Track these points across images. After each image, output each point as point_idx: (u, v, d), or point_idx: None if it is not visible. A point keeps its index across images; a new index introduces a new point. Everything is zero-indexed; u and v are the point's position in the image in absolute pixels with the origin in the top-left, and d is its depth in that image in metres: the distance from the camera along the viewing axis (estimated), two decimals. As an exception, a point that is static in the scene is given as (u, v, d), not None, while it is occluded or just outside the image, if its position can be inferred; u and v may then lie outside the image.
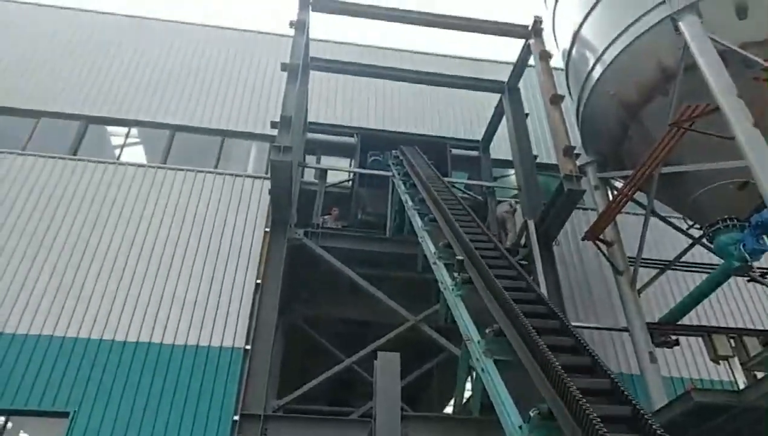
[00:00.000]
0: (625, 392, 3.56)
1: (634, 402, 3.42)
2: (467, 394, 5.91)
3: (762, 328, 9.72)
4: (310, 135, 12.62)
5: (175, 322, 9.18)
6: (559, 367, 3.50)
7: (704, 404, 6.39)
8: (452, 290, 5.57)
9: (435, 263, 6.39)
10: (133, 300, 9.36)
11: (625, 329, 8.47)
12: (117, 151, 12.19)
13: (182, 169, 11.39)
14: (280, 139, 8.79)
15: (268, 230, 10.00)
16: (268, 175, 9.63)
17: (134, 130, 12.52)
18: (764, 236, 7.22)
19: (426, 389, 12.18)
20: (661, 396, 7.56)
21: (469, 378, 5.30)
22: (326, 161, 12.87)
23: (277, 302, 8.78)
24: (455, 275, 5.64)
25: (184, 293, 9.54)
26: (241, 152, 12.46)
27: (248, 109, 13.08)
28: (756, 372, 7.07)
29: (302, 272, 10.00)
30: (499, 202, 11.48)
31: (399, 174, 9.86)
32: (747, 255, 7.04)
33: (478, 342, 4.53)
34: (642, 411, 3.30)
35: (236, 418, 7.72)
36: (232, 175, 11.47)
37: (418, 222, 7.66)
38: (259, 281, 9.47)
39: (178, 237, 10.27)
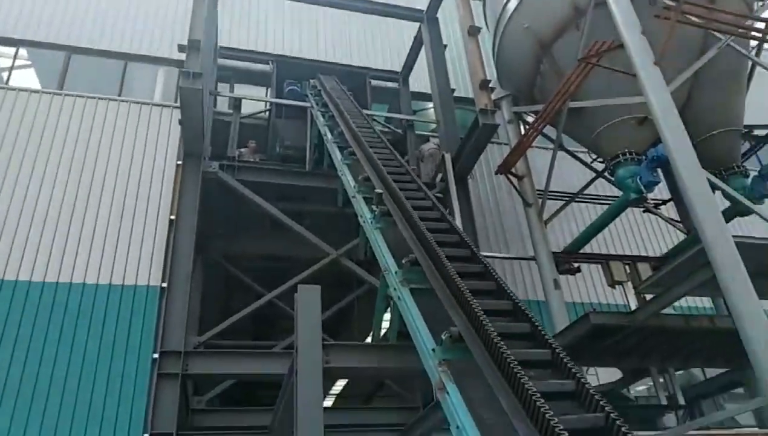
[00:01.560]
0: (525, 311, 3.84)
1: (533, 321, 3.71)
2: (385, 325, 6.16)
3: (653, 255, 10.62)
4: (222, 61, 11.98)
5: (84, 260, 8.77)
6: (468, 291, 3.70)
7: (600, 325, 6.98)
8: (371, 223, 5.66)
9: (354, 197, 6.43)
10: (36, 238, 8.80)
11: (533, 258, 9.00)
12: (4, 75, 11.05)
13: (82, 96, 10.54)
14: (189, 64, 8.31)
15: (180, 162, 9.58)
16: (178, 104, 9.13)
17: (23, 51, 11.34)
18: (658, 169, 7.77)
19: (347, 322, 12.53)
20: (564, 320, 8.17)
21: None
22: (240, 90, 12.33)
23: (193, 239, 8.57)
24: (374, 208, 5.72)
25: (92, 230, 9.07)
26: (147, 79, 11.65)
27: (153, 31, 12.11)
28: (646, 295, 7.76)
29: (219, 208, 9.75)
30: (427, 139, 11.56)
31: (317, 105, 9.65)
32: (643, 187, 7.56)
33: (396, 272, 4.68)
34: (539, 327, 3.58)
35: (155, 356, 7.64)
36: (138, 103, 10.74)
37: (337, 155, 7.61)
38: (173, 217, 9.15)
39: (81, 171, 9.63)
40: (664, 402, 8.15)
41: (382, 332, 6.42)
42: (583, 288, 10.65)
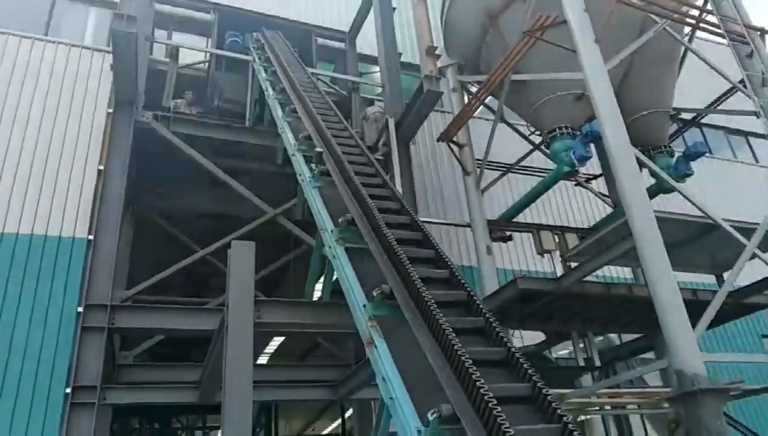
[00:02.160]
0: (460, 278, 3.95)
1: (468, 288, 3.82)
2: (320, 287, 6.20)
3: (581, 226, 11.10)
4: (159, 6, 11.37)
5: (4, 208, 8.27)
6: (401, 251, 3.77)
7: (527, 290, 7.30)
8: (310, 181, 5.62)
9: (294, 155, 6.35)
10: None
11: (468, 225, 9.23)
12: None
13: (4, 33, 9.77)
14: (122, 6, 7.89)
15: (111, 111, 9.13)
16: (110, 49, 8.63)
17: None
18: (591, 145, 8.08)
19: (284, 283, 12.50)
20: (494, 285, 8.46)
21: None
22: (179, 39, 11.78)
23: (122, 191, 8.25)
24: (313, 167, 5.67)
25: (13, 177, 8.54)
26: (77, 19, 10.91)
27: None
28: (571, 263, 8.14)
29: (153, 161, 9.38)
30: (371, 102, 11.46)
31: (260, 59, 9.35)
32: (576, 161, 7.85)
33: (332, 231, 4.69)
34: (473, 295, 3.69)
35: (80, 309, 7.40)
36: (66, 45, 10.06)
37: (278, 112, 7.46)
38: (101, 167, 8.76)
39: (1, 115, 9.00)
40: (582, 364, 8.65)
41: (317, 293, 6.47)
42: (513, 255, 11.04)
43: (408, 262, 3.65)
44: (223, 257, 7.35)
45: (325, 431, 24.13)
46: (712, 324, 8.64)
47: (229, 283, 5.14)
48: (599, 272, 9.46)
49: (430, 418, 2.73)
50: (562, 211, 12.20)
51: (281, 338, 13.80)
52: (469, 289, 3.84)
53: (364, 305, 3.78)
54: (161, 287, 8.65)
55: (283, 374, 9.48)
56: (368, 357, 3.64)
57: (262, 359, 14.54)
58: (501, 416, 2.54)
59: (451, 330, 3.15)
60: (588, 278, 7.51)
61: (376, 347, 3.49)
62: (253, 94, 9.87)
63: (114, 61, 8.27)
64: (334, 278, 4.82)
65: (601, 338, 10.02)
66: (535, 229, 9.17)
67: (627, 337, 10.01)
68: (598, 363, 8.89)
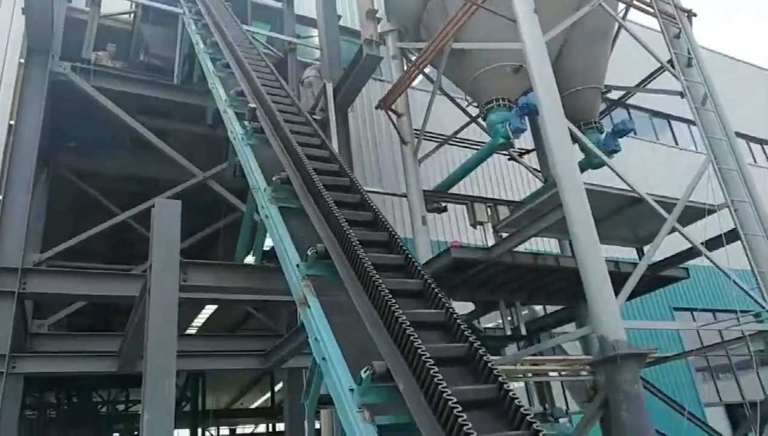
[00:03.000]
0: (399, 242, 3.87)
1: (406, 252, 3.74)
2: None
3: (512, 199, 11.33)
4: (80, -50, 10.49)
5: None
6: (337, 210, 3.64)
7: (460, 259, 7.39)
8: (242, 139, 5.36)
9: (225, 112, 6.03)
10: None
11: (404, 195, 9.20)
12: None
13: None
14: (36, -56, 7.16)
15: (23, 60, 8.37)
16: (22, -9, 7.88)
17: None
18: (526, 118, 8.19)
19: (212, 254, 12.08)
20: (428, 255, 8.52)
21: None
22: (101, -15, 10.92)
23: (35, 148, 7.60)
24: (246, 124, 5.41)
25: None
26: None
27: None
28: (503, 234, 8.30)
29: (71, 118, 8.73)
30: (307, 65, 11.10)
31: (190, 12, 8.80)
32: (510, 133, 7.94)
33: (264, 190, 4.50)
34: (411, 258, 3.62)
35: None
36: (-28, -14, 9.14)
37: (209, 67, 7.05)
38: (12, 122, 8.06)
39: None
40: (509, 333, 8.88)
41: (250, 256, 6.23)
42: (447, 227, 11.15)
43: (344, 221, 3.53)
44: (148, 223, 6.97)
45: (254, 405, 24.00)
46: (632, 295, 9.10)
47: (152, 243, 4.84)
48: (528, 245, 9.73)
49: (363, 376, 2.66)
50: (495, 185, 12.43)
51: (210, 310, 13.42)
52: (407, 252, 3.77)
53: (298, 265, 3.64)
54: (81, 253, 8.12)
55: (211, 345, 9.20)
56: (300, 321, 3.53)
57: (191, 331, 14.12)
58: (438, 376, 2.49)
59: (386, 289, 3.07)
60: (518, 249, 7.69)
61: (309, 306, 3.37)
62: (183, 49, 9.30)
63: (26, 4, 7.55)
64: (267, 241, 4.64)
65: (526, 311, 10.33)
66: (469, 201, 9.27)
67: (551, 310, 10.41)
68: (524, 332, 9.17)
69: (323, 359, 3.07)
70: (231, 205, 8.79)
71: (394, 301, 2.92)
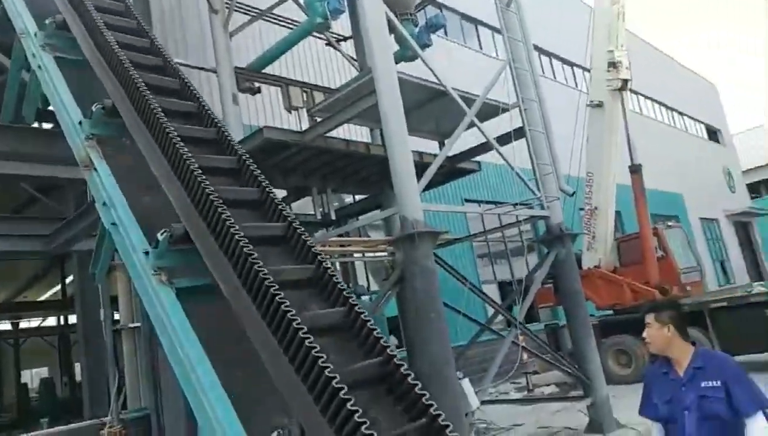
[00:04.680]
0: (210, 113, 3.54)
1: (219, 125, 3.44)
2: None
3: (328, 86, 11.19)
4: None
5: None
6: (126, 59, 3.18)
7: (273, 140, 7.18)
8: (4, -28, 4.33)
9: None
10: None
11: (213, 70, 8.52)
12: None
13: None
14: None
15: None
16: None
17: None
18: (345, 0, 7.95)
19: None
20: (239, 136, 8.13)
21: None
22: None
23: None
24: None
25: None
26: None
27: None
28: (317, 118, 8.21)
29: None
30: None
31: None
32: (329, 12, 7.67)
33: (35, 35, 3.73)
34: (225, 132, 3.35)
35: None
36: None
37: None
38: None
39: None
40: (319, 218, 9.09)
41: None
42: (261, 111, 10.71)
43: (133, 69, 3.09)
44: None
45: (42, 297, 22.12)
46: (431, 186, 9.81)
47: None
48: (341, 134, 9.82)
49: (160, 238, 2.45)
50: (311, 70, 12.13)
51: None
52: (220, 125, 3.48)
53: (80, 122, 3.15)
54: None
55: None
56: (91, 197, 3.12)
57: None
58: (249, 249, 2.36)
59: (183, 146, 2.81)
60: (331, 135, 7.70)
61: (95, 169, 2.98)
62: None
63: None
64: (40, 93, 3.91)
65: (336, 203, 10.60)
66: (284, 83, 8.93)
67: (359, 199, 10.87)
68: (333, 217, 9.46)
69: (113, 224, 2.77)
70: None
71: (187, 149, 2.69)
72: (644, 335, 3.24)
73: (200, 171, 2.76)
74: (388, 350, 1.99)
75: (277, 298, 2.13)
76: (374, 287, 12.39)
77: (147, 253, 2.54)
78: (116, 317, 6.97)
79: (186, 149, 2.84)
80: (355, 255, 9.45)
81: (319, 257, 2.57)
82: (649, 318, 3.21)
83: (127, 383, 5.58)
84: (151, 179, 2.90)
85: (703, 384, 3.01)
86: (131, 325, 5.78)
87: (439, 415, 1.77)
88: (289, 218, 2.82)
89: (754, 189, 37.76)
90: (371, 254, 9.48)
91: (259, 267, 2.27)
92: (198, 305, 2.61)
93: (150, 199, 2.87)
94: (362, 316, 2.20)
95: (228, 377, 2.35)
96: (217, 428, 2.11)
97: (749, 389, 2.97)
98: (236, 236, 2.39)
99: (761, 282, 16.77)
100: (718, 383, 2.97)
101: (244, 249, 2.33)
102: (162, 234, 2.47)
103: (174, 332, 2.41)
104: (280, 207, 2.88)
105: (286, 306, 2.08)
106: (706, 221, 27.53)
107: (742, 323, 10.10)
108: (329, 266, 2.61)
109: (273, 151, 7.36)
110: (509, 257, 16.74)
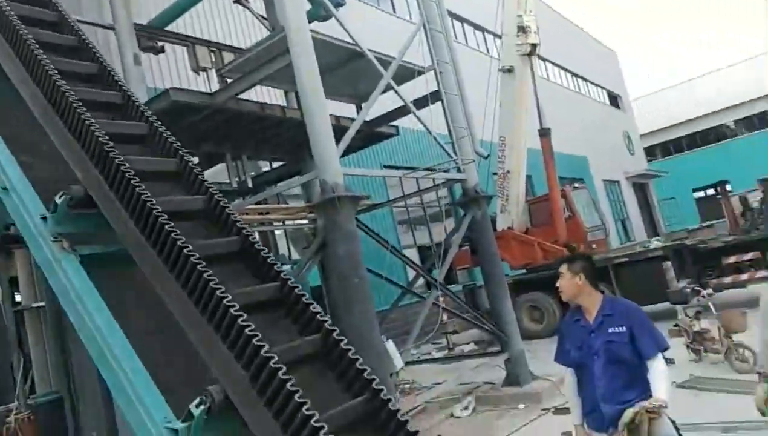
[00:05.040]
0: (113, 74, 3.22)
1: (122, 86, 3.15)
2: None
3: (237, 46, 10.67)
4: None
5: None
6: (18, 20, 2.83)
7: (181, 103, 6.79)
8: None
9: None
10: None
11: (111, 27, 7.87)
12: None
13: None
14: None
15: None
16: None
17: None
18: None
19: None
20: (143, 98, 7.60)
21: None
22: None
23: None
24: None
25: None
26: None
27: None
28: (228, 79, 7.83)
29: None
30: None
31: None
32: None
33: None
34: (130, 95, 3.07)
35: None
36: None
37: None
38: None
39: None
40: (236, 186, 8.78)
41: None
42: (166, 73, 10.09)
43: (21, 25, 2.75)
44: None
45: None
46: (350, 151, 9.71)
47: None
48: (254, 98, 9.46)
49: (58, 201, 2.22)
50: (219, 29, 11.54)
51: None
52: (125, 88, 3.18)
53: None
54: None
55: None
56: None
57: None
58: (170, 225, 2.14)
59: (86, 111, 2.55)
60: (244, 97, 7.38)
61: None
62: None
63: None
64: None
65: (253, 173, 10.27)
66: (191, 42, 8.41)
67: (276, 166, 10.58)
68: (250, 186, 9.18)
69: (3, 188, 2.48)
70: None
71: (88, 115, 2.43)
72: (558, 284, 3.38)
73: (107, 138, 2.51)
74: (326, 324, 1.91)
75: (204, 275, 1.96)
76: (296, 256, 12.23)
77: (45, 218, 2.29)
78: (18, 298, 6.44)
79: (88, 115, 2.56)
80: (275, 224, 9.22)
81: (244, 231, 2.41)
82: (563, 269, 3.34)
83: (33, 366, 5.20)
84: (50, 148, 2.61)
85: (610, 330, 3.17)
86: (35, 304, 5.36)
87: (381, 390, 1.72)
88: (210, 190, 2.61)
89: (651, 152, 40.59)
90: (292, 222, 9.30)
91: (182, 243, 2.08)
92: (106, 274, 2.41)
93: (48, 166, 2.59)
94: (296, 290, 2.09)
95: (144, 348, 2.20)
96: (137, 403, 1.97)
97: (651, 334, 3.17)
98: (154, 211, 2.19)
99: (657, 237, 18.18)
100: (624, 328, 3.15)
101: (166, 227, 2.12)
102: (60, 197, 2.23)
103: (81, 303, 2.20)
104: (200, 178, 2.66)
105: (215, 283, 1.92)
106: (608, 182, 29.32)
107: (642, 277, 10.90)
108: (256, 238, 2.45)
109: (181, 115, 6.97)
110: (428, 222, 17.06)
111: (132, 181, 2.21)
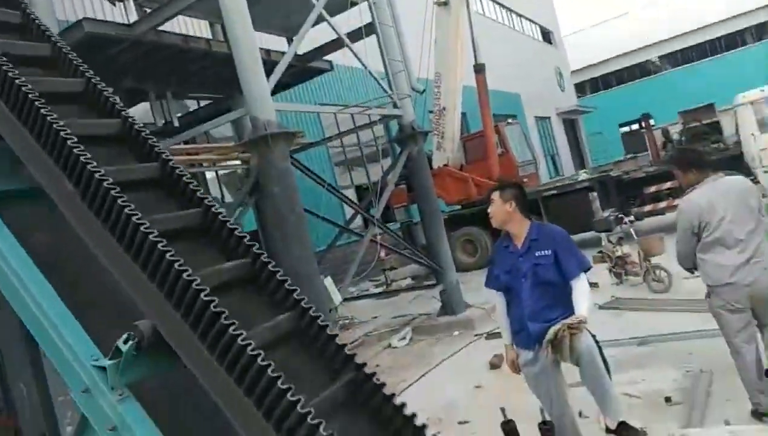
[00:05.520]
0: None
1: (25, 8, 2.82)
2: None
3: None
4: None
5: None
6: None
7: (96, 34, 6.30)
8: None
9: None
10: None
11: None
12: None
13: None
14: None
15: None
16: None
17: None
18: None
19: None
20: (54, 29, 7.00)
21: None
22: None
23: None
24: None
25: None
26: None
27: None
28: (147, 9, 7.32)
29: None
30: None
31: None
32: None
33: None
34: (32, 16, 2.76)
35: None
36: None
37: None
38: None
39: None
40: (161, 126, 8.38)
41: None
42: (79, 4, 9.31)
43: None
44: None
45: None
46: (284, 87, 9.41)
47: None
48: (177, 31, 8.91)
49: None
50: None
51: None
52: (29, 12, 2.84)
53: None
54: None
55: None
56: None
57: None
58: (80, 149, 1.95)
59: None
60: (166, 29, 6.93)
61: None
62: None
63: None
64: None
65: (179, 113, 9.78)
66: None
67: (204, 105, 10.12)
68: (177, 126, 8.77)
69: None
70: None
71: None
72: (489, 210, 3.46)
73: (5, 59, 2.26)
74: (254, 249, 1.86)
75: (119, 201, 1.82)
76: (229, 199, 11.95)
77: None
78: None
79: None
80: (206, 165, 8.93)
81: (163, 156, 2.24)
82: (494, 196, 3.42)
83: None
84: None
85: (537, 254, 3.31)
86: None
87: (310, 307, 1.71)
88: (123, 113, 2.38)
89: (580, 88, 41.62)
90: (224, 163, 9.03)
91: (93, 168, 1.91)
92: (15, 212, 2.24)
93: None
94: (220, 216, 2.00)
95: (65, 289, 2.09)
96: (60, 344, 1.89)
97: (574, 255, 3.33)
98: (62, 134, 2.00)
99: (584, 170, 18.91)
100: (549, 251, 3.29)
101: (75, 150, 1.95)
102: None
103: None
104: (111, 100, 2.42)
105: (131, 210, 1.79)
106: (540, 119, 29.97)
107: (570, 207, 11.36)
108: (177, 164, 2.28)
109: (97, 48, 6.48)
110: (365, 162, 16.99)
111: (36, 103, 2.03)
